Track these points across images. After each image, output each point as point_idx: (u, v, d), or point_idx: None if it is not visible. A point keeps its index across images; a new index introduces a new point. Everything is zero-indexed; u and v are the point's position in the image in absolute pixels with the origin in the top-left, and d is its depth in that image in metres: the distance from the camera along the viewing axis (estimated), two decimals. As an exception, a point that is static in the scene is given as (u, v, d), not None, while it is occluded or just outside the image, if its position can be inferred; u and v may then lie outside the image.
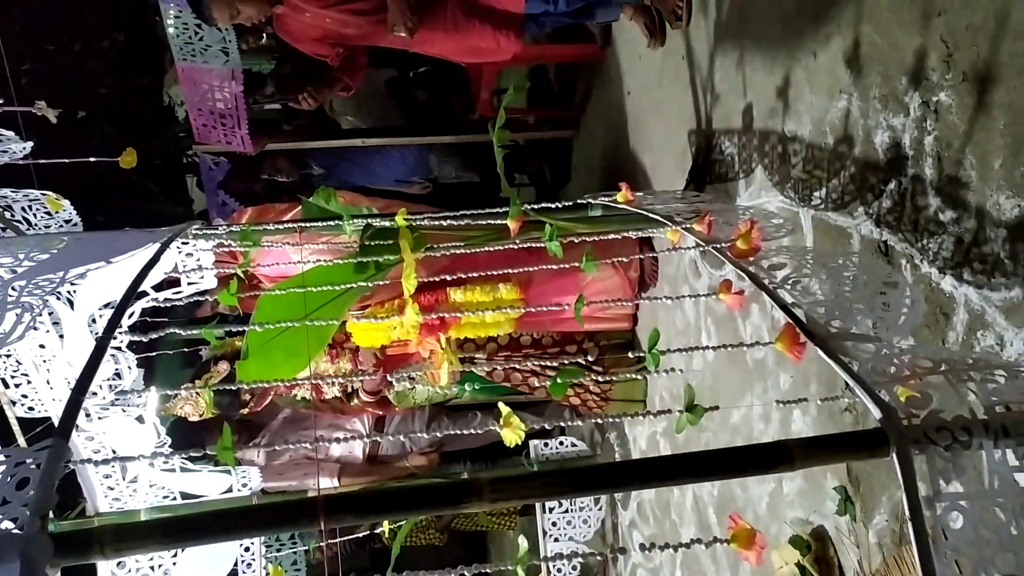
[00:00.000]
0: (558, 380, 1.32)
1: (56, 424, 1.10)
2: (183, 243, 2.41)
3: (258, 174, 4.65)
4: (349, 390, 3.51)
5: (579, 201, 2.43)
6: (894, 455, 1.13)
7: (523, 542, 1.12)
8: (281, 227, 2.25)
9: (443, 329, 2.99)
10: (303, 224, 2.36)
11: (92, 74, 6.50)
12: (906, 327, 1.56)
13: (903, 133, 1.81)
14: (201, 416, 3.23)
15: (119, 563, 3.46)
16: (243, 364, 1.81)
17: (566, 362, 1.71)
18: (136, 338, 1.74)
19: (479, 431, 1.76)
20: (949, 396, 1.25)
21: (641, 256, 3.13)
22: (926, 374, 1.29)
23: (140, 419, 3.12)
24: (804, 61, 2.15)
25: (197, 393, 3.04)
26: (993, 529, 1.16)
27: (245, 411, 3.43)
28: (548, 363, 1.76)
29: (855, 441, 1.23)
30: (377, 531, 4.05)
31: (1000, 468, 1.18)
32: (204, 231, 2.30)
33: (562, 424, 1.43)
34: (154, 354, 3.15)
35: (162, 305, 2.15)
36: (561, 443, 4.11)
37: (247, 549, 3.61)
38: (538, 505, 3.99)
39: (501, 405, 1.20)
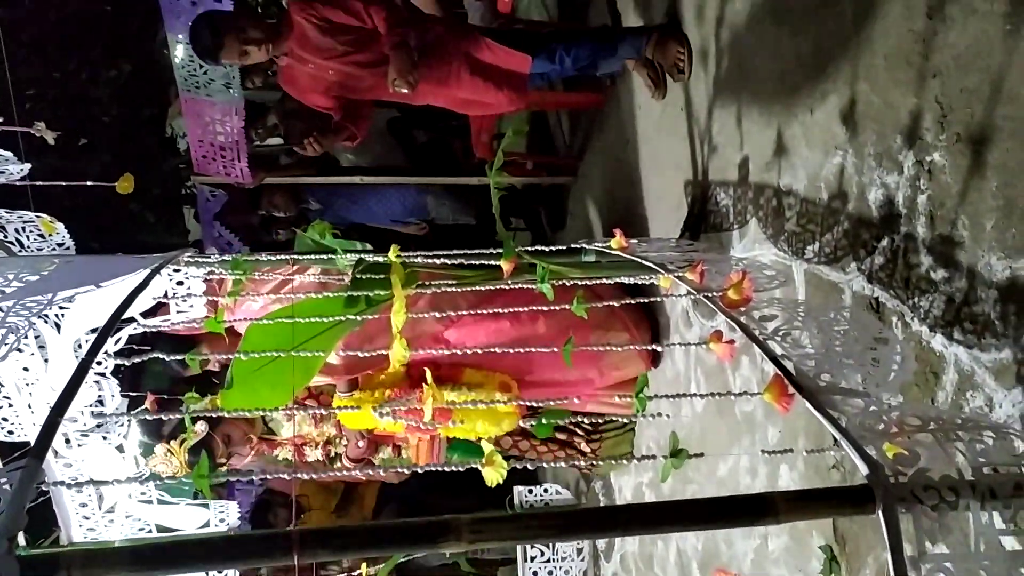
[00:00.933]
0: (543, 421, 1.30)
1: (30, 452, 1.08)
2: (174, 270, 2.40)
3: (255, 208, 4.66)
4: (332, 454, 3.46)
5: (573, 246, 2.44)
6: (880, 512, 1.12)
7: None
8: (273, 259, 2.25)
9: (432, 431, 2.95)
10: (296, 257, 2.35)
11: (96, 102, 6.53)
12: (895, 384, 1.55)
13: (897, 191, 1.82)
14: (175, 475, 3.17)
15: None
16: (227, 393, 1.79)
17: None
18: (121, 361, 1.71)
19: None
20: (937, 455, 1.24)
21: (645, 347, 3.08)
22: (914, 432, 1.29)
23: (120, 448, 3.08)
24: (801, 116, 2.18)
25: (171, 452, 2.99)
26: (978, 592, 1.15)
27: (223, 468, 3.37)
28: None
29: (842, 496, 1.22)
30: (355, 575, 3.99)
31: (986, 531, 1.17)
32: (195, 259, 2.29)
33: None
34: (134, 395, 3.11)
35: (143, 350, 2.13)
36: (545, 490, 4.06)
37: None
38: (519, 556, 3.94)
39: (484, 443, 1.19)
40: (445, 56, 3.19)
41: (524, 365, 3.03)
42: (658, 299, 1.94)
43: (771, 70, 2.37)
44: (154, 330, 3.04)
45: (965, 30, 1.59)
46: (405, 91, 3.01)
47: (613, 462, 3.55)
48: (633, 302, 2.72)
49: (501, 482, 1.20)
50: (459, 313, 2.92)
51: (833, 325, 1.67)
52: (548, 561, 4.01)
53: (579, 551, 4.08)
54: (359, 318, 1.91)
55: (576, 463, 3.37)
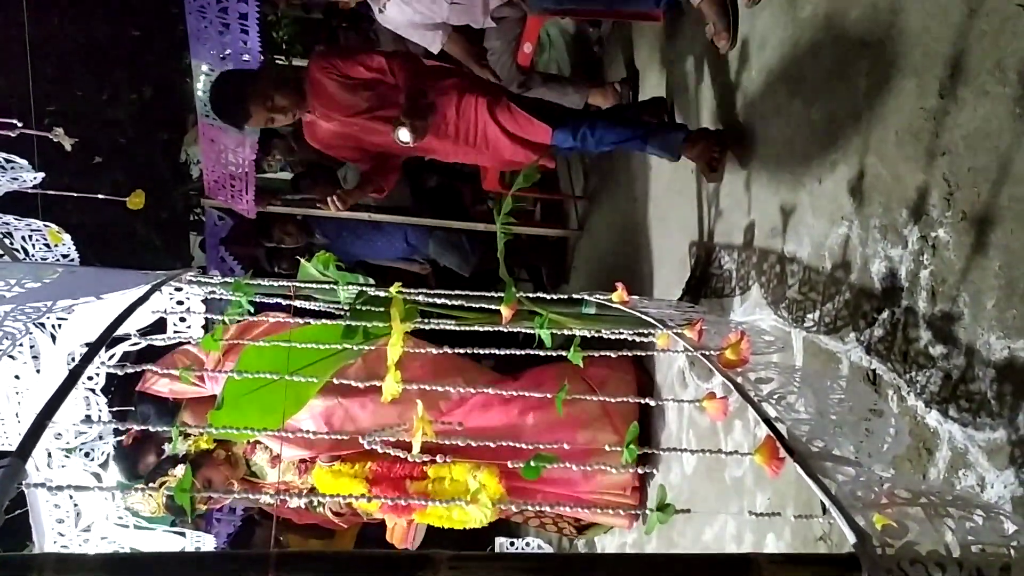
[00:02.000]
0: (531, 463, 1.29)
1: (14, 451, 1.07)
2: (176, 289, 2.41)
3: (266, 237, 4.68)
4: (315, 503, 3.42)
5: (574, 296, 2.44)
6: (865, 584, 1.11)
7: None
8: (275, 284, 2.25)
9: (408, 511, 2.92)
10: (299, 284, 2.36)
11: (115, 123, 6.61)
12: (888, 456, 1.54)
13: (900, 264, 1.83)
14: (152, 513, 3.14)
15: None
16: (216, 414, 1.78)
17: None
18: (114, 370, 1.71)
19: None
20: (926, 530, 1.22)
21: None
22: (905, 505, 1.27)
23: (98, 477, 3.05)
24: (809, 185, 2.20)
25: (149, 494, 2.96)
26: (961, 672, 1.12)
27: (203, 509, 3.33)
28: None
29: (828, 563, 1.20)
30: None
31: (972, 610, 1.15)
32: (197, 279, 2.30)
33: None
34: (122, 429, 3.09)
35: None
36: (527, 544, 4.01)
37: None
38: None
39: (470, 481, 1.18)
40: (468, 113, 3.08)
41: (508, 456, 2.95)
42: (654, 352, 1.93)
43: (782, 138, 2.40)
44: (139, 389, 3.04)
45: (975, 111, 1.62)
46: (405, 139, 2.88)
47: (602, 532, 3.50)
48: (629, 354, 2.71)
49: (486, 524, 1.19)
50: (458, 388, 2.86)
51: (828, 393, 1.66)
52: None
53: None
54: (355, 347, 1.89)
55: (564, 533, 3.33)
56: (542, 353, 2.07)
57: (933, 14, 1.76)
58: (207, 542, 3.45)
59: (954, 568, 1.16)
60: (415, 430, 1.39)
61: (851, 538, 1.15)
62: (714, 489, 2.64)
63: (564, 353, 1.88)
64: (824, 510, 1.26)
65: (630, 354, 1.95)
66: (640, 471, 2.97)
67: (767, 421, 1.50)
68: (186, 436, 3.18)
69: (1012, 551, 1.25)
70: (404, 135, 2.86)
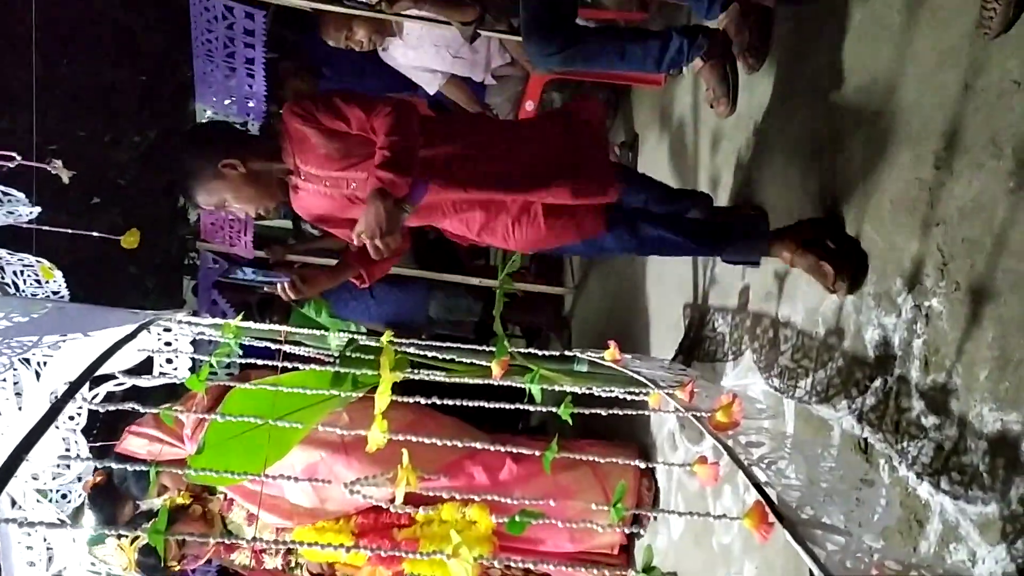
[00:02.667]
0: (516, 518, 1.26)
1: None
2: (164, 330, 2.39)
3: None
4: (292, 564, 3.35)
5: (566, 353, 2.43)
6: (854, 655, 1.08)
7: None
8: (265, 328, 2.24)
9: (398, 561, 2.86)
10: (290, 330, 2.34)
11: (115, 165, 6.65)
12: (878, 527, 1.51)
13: (893, 333, 1.83)
14: (124, 569, 3.07)
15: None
16: (197, 457, 1.75)
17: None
18: (96, 407, 1.68)
19: None
20: (916, 602, 1.20)
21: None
22: (895, 576, 1.25)
23: (62, 522, 2.99)
24: (804, 251, 2.20)
25: (121, 548, 2.90)
26: None
27: (176, 567, 3.25)
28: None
29: (815, 634, 1.17)
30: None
31: None
32: (187, 319, 2.29)
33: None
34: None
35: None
36: None
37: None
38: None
39: (452, 534, 1.15)
40: (493, 218, 2.30)
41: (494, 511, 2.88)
42: (646, 412, 1.91)
43: (778, 203, 2.41)
44: (117, 450, 2.99)
45: (970, 184, 1.63)
46: (371, 251, 2.10)
47: None
48: (620, 412, 2.65)
49: (472, 576, 1.16)
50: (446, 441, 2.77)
51: (819, 461, 1.64)
52: None
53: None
54: (341, 394, 1.88)
55: None
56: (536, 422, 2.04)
57: (930, 89, 1.79)
58: (180, 592, 3.37)
59: (945, 643, 1.13)
60: (399, 480, 1.37)
61: (840, 609, 1.13)
62: (701, 556, 2.59)
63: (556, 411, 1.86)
64: (813, 579, 1.24)
65: (631, 411, 1.92)
66: (627, 531, 2.91)
67: (757, 485, 1.48)
68: (160, 492, 3.11)
69: (1004, 629, 1.22)
70: (369, 244, 2.09)
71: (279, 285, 2.31)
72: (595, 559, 3.05)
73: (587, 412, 1.76)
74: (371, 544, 2.78)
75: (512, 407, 2.05)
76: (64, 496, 3.03)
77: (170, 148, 2.88)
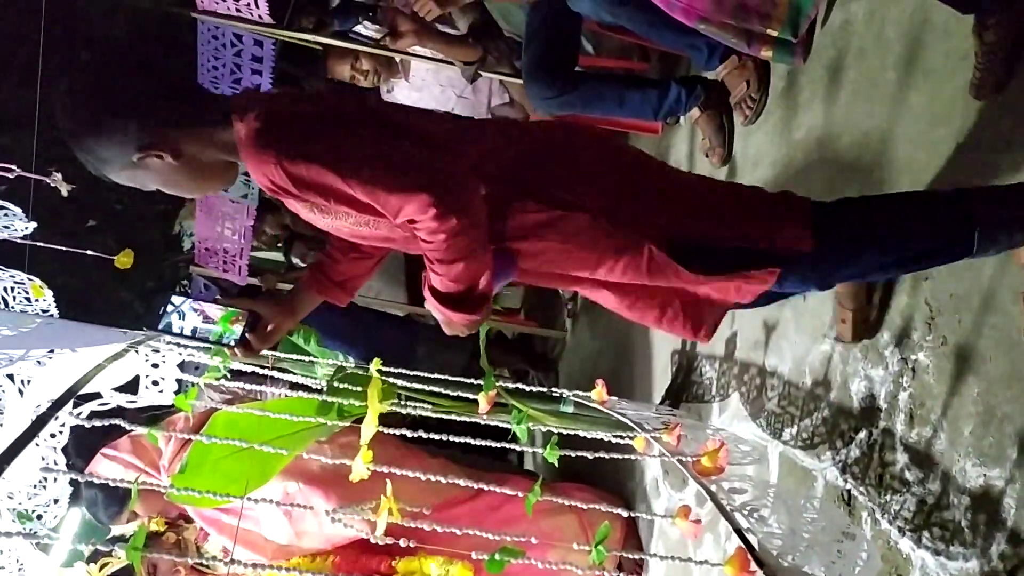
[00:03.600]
0: (496, 557, 1.25)
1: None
2: (152, 351, 2.38)
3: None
4: None
5: (553, 392, 2.43)
6: None
7: None
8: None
9: None
10: (278, 355, 2.34)
11: (113, 188, 6.68)
12: (860, 578, 1.51)
13: (879, 385, 1.83)
14: None
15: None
16: (179, 477, 1.73)
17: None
18: (80, 422, 1.67)
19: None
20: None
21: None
22: (874, 628, 1.24)
23: (44, 548, 2.95)
24: (794, 301, 2.22)
25: (89, 573, 2.85)
26: None
27: None
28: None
29: None
30: None
31: None
32: (176, 341, 2.28)
33: None
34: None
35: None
36: None
37: None
38: None
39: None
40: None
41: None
42: (631, 457, 1.90)
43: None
44: (89, 471, 2.95)
45: (959, 240, 1.65)
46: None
47: None
48: (607, 456, 2.63)
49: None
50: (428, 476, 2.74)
51: (802, 512, 1.64)
52: None
53: None
54: (327, 423, 1.87)
55: None
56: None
57: (922, 146, 1.82)
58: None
59: None
60: (381, 509, 1.36)
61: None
62: (681, 603, 2.57)
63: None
64: (792, 628, 1.23)
65: (617, 455, 1.90)
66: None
67: (739, 531, 1.48)
68: (130, 519, 3.05)
69: None
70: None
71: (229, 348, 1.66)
72: None
73: (573, 455, 1.75)
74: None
75: (498, 445, 2.04)
76: (39, 517, 2.99)
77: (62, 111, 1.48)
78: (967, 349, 1.59)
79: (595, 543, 1.47)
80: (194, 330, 1.68)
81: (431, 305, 1.45)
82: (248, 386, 1.88)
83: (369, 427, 1.57)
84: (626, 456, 1.99)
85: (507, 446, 2.19)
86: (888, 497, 1.74)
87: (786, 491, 1.92)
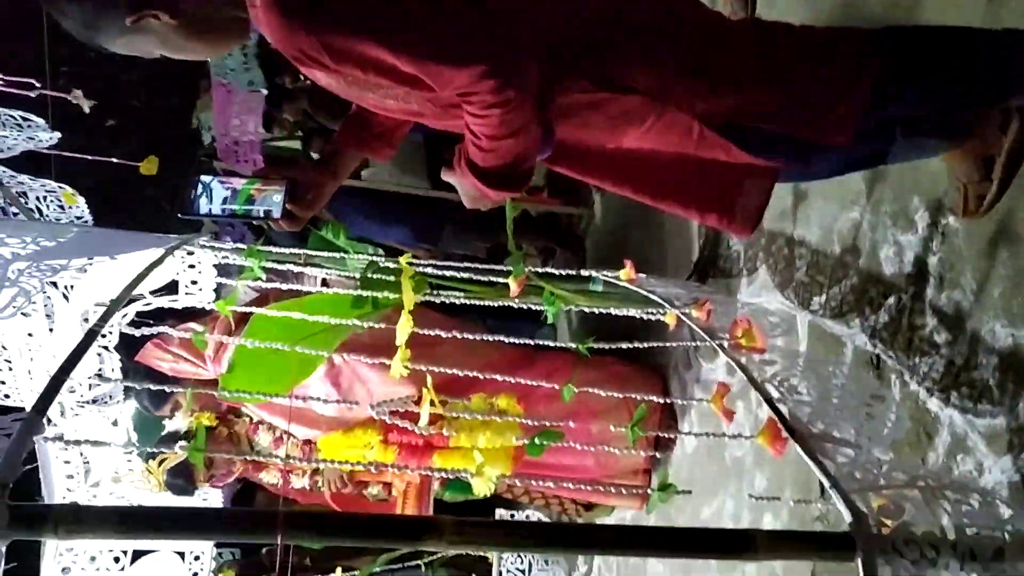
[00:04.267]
0: (535, 441, 1.31)
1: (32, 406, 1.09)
2: (188, 253, 2.43)
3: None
4: (319, 484, 3.39)
5: (582, 272, 2.45)
6: (859, 561, 1.13)
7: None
8: (286, 252, 2.27)
9: (428, 455, 2.89)
10: (309, 253, 2.37)
11: (128, 85, 6.62)
12: (888, 440, 1.56)
13: (909, 251, 1.84)
14: (152, 491, 3.12)
15: (64, 569, 3.40)
16: (227, 377, 1.80)
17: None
18: (130, 331, 1.73)
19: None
20: (922, 512, 1.24)
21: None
22: (902, 487, 1.29)
23: (115, 422, 3.09)
24: (821, 170, 2.20)
25: (149, 472, 2.96)
26: (950, 651, 1.15)
27: (205, 485, 3.31)
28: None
29: (823, 542, 1.22)
30: (329, 577, 3.94)
31: (963, 591, 1.17)
32: (210, 244, 2.32)
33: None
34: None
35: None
36: (527, 517, 4.04)
37: (195, 575, 3.53)
38: (495, 567, 3.93)
39: (476, 453, 1.20)
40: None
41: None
42: (665, 345, 1.93)
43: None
44: (138, 359, 3.02)
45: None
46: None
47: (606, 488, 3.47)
48: (642, 345, 2.63)
49: (489, 494, 1.21)
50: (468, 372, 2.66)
51: (831, 379, 1.68)
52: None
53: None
54: (363, 324, 1.90)
55: (566, 511, 3.30)
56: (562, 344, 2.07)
57: None
58: (213, 498, 3.50)
59: (948, 550, 1.18)
60: (423, 401, 1.41)
61: (847, 518, 1.17)
62: (714, 468, 2.66)
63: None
64: (823, 491, 1.28)
65: (644, 345, 1.93)
66: (650, 455, 2.97)
67: (769, 401, 1.52)
68: (174, 411, 3.14)
69: (1006, 535, 1.27)
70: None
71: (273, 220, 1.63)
72: (619, 484, 3.06)
73: (608, 347, 1.78)
74: (400, 439, 2.83)
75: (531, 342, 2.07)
76: (100, 411, 3.13)
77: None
78: (997, 211, 1.58)
79: (632, 424, 1.53)
80: (224, 200, 1.60)
81: (467, 181, 1.40)
82: (283, 285, 1.92)
83: (404, 328, 1.60)
84: (660, 344, 2.01)
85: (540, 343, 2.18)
86: (917, 360, 1.77)
87: (815, 359, 1.96)
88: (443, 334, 1.77)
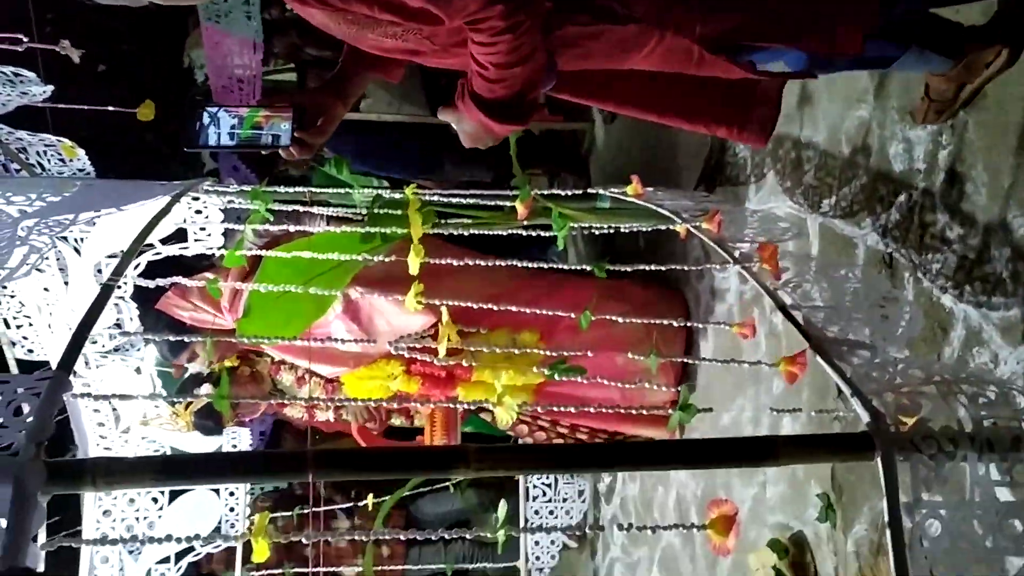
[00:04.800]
0: (556, 371, 1.32)
1: (56, 364, 1.11)
2: (194, 199, 2.43)
3: (268, 166, 4.58)
4: (343, 418, 3.42)
5: (589, 191, 2.44)
6: (878, 459, 1.15)
7: (503, 506, 1.13)
8: (291, 191, 2.27)
9: (451, 385, 2.88)
10: (313, 190, 2.36)
11: (115, 31, 6.50)
12: (903, 339, 1.57)
13: (918, 146, 1.82)
14: (182, 430, 3.15)
15: (105, 512, 3.50)
16: (244, 321, 1.82)
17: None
18: (144, 283, 1.74)
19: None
20: (939, 407, 1.26)
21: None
22: (919, 384, 1.31)
23: (138, 370, 3.14)
24: (825, 69, 2.16)
25: (177, 415, 2.99)
26: (970, 541, 1.17)
27: (232, 423, 3.33)
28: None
29: (842, 443, 1.24)
30: (360, 503, 4.05)
31: (982, 482, 1.19)
32: (215, 188, 2.32)
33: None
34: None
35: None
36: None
37: (232, 509, 3.63)
38: (521, 495, 4.02)
39: (496, 384, 1.21)
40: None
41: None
42: (682, 268, 1.93)
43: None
44: (158, 307, 3.02)
45: None
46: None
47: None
48: (658, 268, 2.54)
49: (510, 423, 1.22)
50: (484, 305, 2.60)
51: (844, 282, 1.68)
52: (549, 501, 4.08)
53: (580, 493, 4.15)
54: (374, 259, 1.90)
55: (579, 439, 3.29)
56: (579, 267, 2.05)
57: None
58: (243, 436, 3.58)
59: (965, 442, 1.20)
60: (441, 336, 1.43)
61: (865, 418, 1.19)
62: (731, 374, 2.69)
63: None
64: (839, 392, 1.30)
65: (664, 268, 1.93)
66: (674, 389, 2.96)
67: (783, 309, 1.53)
68: (191, 359, 3.15)
69: (1023, 424, 1.29)
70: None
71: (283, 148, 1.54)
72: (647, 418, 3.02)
73: (625, 269, 1.77)
74: (423, 370, 2.86)
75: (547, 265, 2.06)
76: (123, 359, 3.18)
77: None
78: (1007, 101, 1.55)
79: (649, 352, 1.54)
80: (232, 127, 1.55)
81: (471, 116, 1.38)
82: (292, 227, 1.92)
83: (415, 260, 1.60)
84: (678, 267, 2.01)
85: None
86: (929, 256, 1.76)
87: (827, 262, 1.96)
88: (454, 262, 1.78)
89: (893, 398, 1.28)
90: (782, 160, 2.43)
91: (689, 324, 2.32)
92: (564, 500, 4.09)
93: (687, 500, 3.05)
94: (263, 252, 1.83)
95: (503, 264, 2.92)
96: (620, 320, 1.71)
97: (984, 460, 1.20)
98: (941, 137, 1.74)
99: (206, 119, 1.49)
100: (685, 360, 2.88)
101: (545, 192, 2.40)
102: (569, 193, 2.43)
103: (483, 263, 1.94)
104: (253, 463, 1.04)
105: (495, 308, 1.58)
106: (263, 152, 1.48)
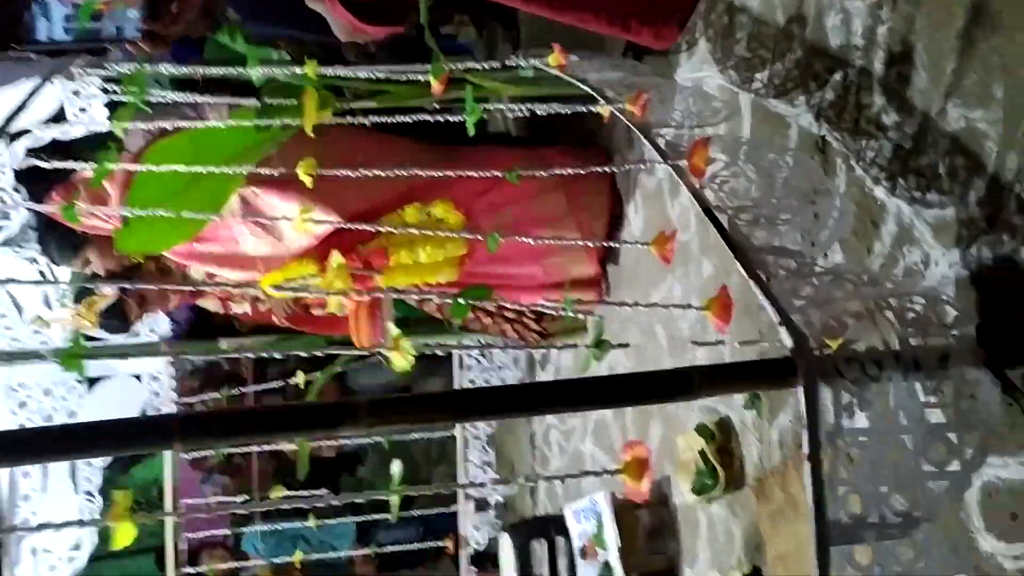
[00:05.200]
0: (459, 300, 1.21)
1: None
2: (67, 79, 2.19)
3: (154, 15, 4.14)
4: (261, 309, 3.22)
5: (507, 63, 2.26)
6: (800, 389, 1.08)
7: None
8: (178, 71, 2.05)
9: (369, 277, 2.69)
10: (206, 71, 2.13)
11: None
12: (832, 240, 1.49)
13: (856, 18, 1.68)
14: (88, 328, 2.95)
15: (21, 404, 3.39)
16: (121, 234, 1.65)
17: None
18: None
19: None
20: (866, 325, 1.19)
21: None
22: (845, 299, 1.24)
23: (33, 260, 2.95)
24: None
25: (80, 316, 2.78)
26: (891, 466, 1.14)
27: (139, 320, 3.13)
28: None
29: (762, 371, 1.18)
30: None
31: (908, 403, 1.14)
32: (92, 70, 2.09)
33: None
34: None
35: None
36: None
37: (157, 395, 3.54)
38: (455, 364, 4.00)
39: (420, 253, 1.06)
40: None
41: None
42: (607, 170, 1.79)
43: None
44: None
45: None
46: None
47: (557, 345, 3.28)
48: (567, 111, 2.35)
49: (409, 369, 1.12)
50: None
51: (774, 170, 1.58)
52: (485, 370, 4.06)
53: (515, 360, 4.14)
54: (272, 141, 1.73)
55: (525, 339, 3.19)
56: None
57: None
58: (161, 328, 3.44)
59: (891, 362, 1.14)
60: (325, 281, 1.29)
61: (787, 342, 1.11)
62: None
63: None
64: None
65: (584, 172, 1.79)
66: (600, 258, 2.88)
67: (708, 212, 1.42)
68: (84, 266, 2.92)
69: (952, 339, 1.23)
70: None
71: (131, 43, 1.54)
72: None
73: (538, 114, 1.62)
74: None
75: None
76: (16, 251, 2.98)
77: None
78: (956, -24, 1.41)
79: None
80: (67, 19, 1.37)
81: (338, 14, 1.23)
82: (180, 123, 1.71)
83: (307, 164, 1.44)
84: (585, 109, 1.87)
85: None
86: (864, 143, 1.66)
87: (759, 146, 1.85)
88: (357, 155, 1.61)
89: (819, 317, 1.20)
90: (714, 26, 2.26)
91: (607, 244, 2.20)
92: (500, 368, 4.08)
93: (619, 371, 3.04)
94: (134, 167, 1.64)
95: (414, 144, 2.74)
96: (542, 174, 1.60)
97: (909, 380, 1.15)
98: (881, 11, 1.60)
99: (33, 9, 1.28)
100: (609, 244, 2.78)
101: (461, 65, 2.21)
102: (487, 66, 2.26)
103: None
104: (109, 434, 0.92)
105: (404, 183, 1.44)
106: (108, 47, 1.29)
